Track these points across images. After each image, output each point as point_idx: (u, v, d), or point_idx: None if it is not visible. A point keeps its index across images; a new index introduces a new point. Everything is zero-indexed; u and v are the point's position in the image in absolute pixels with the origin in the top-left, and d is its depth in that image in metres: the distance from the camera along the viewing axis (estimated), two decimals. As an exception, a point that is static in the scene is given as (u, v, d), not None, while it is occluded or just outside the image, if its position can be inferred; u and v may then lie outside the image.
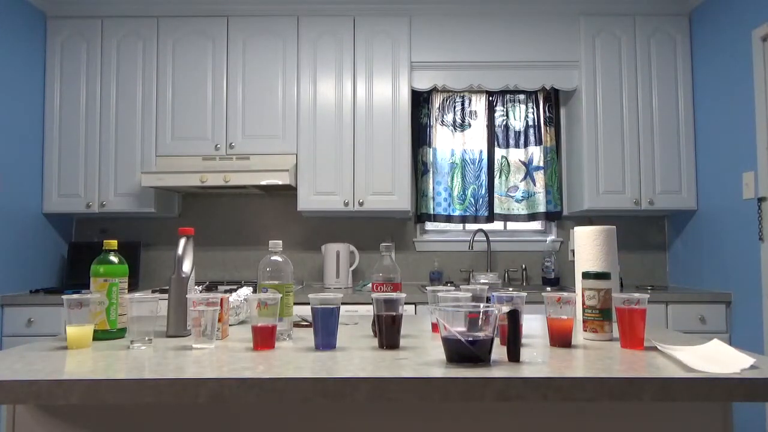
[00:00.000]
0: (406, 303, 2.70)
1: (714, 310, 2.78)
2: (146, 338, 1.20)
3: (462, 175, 3.43)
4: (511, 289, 3.06)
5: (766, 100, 2.53)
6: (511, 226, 3.53)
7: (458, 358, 1.00)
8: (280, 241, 1.38)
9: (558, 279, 3.29)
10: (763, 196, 2.54)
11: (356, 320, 1.62)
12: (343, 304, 1.22)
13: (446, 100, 3.45)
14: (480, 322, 1.02)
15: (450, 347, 1.01)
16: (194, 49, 3.16)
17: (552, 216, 3.41)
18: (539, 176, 3.41)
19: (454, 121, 3.44)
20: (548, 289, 3.17)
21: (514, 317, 1.02)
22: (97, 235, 3.41)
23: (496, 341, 1.23)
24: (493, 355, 1.02)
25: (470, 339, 0.99)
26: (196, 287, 1.44)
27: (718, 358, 1.01)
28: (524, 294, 1.24)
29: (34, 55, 3.06)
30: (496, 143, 3.46)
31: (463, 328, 1.02)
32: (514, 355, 1.02)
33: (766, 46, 2.55)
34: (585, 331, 1.28)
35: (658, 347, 1.11)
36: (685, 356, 1.00)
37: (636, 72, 3.15)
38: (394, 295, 1.19)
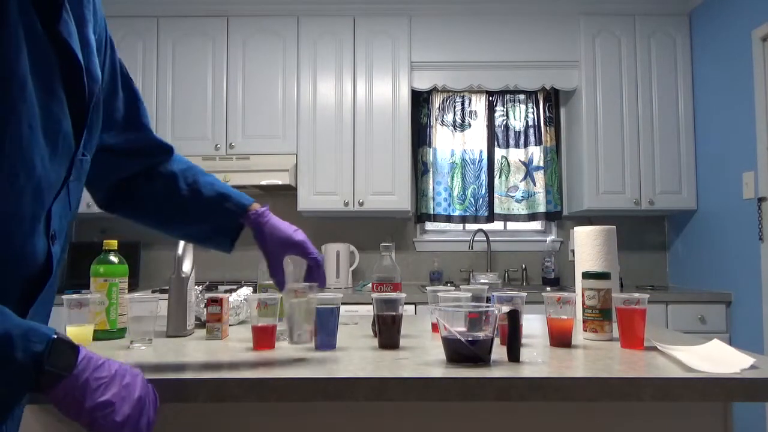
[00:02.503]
0: (406, 303, 2.69)
1: (714, 310, 2.78)
2: (146, 338, 1.20)
3: (462, 175, 3.42)
4: (511, 289, 3.06)
5: (766, 100, 2.53)
6: (511, 226, 3.53)
7: (458, 358, 1.00)
8: (280, 241, 1.37)
9: (558, 279, 3.29)
10: (763, 196, 2.54)
11: (356, 320, 1.62)
12: (343, 304, 1.22)
13: (446, 100, 3.45)
14: (480, 322, 1.02)
15: (450, 347, 1.01)
16: (194, 49, 3.16)
17: (552, 216, 3.41)
18: (539, 176, 3.41)
19: (454, 121, 3.44)
20: (548, 289, 3.17)
21: (514, 317, 1.02)
22: (97, 235, 3.41)
23: (496, 341, 1.23)
24: (493, 355, 1.02)
25: (470, 339, 0.99)
26: (196, 287, 1.44)
27: (718, 358, 1.01)
28: (524, 294, 1.24)
29: (34, 55, 3.06)
30: (496, 143, 3.46)
31: (463, 328, 1.02)
32: (514, 355, 1.02)
33: (766, 46, 2.55)
34: (585, 331, 1.28)
35: (658, 347, 1.11)
36: (685, 356, 1.00)
37: (636, 72, 3.15)
38: (394, 295, 1.18)
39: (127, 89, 0.94)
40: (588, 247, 1.56)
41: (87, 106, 0.72)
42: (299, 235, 1.07)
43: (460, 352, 1.00)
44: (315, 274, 1.06)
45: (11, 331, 0.58)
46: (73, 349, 0.63)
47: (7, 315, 0.60)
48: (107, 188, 0.99)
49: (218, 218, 1.04)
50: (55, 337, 0.61)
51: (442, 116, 3.46)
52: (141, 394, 0.67)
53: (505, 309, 1.05)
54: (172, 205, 1.02)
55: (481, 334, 1.00)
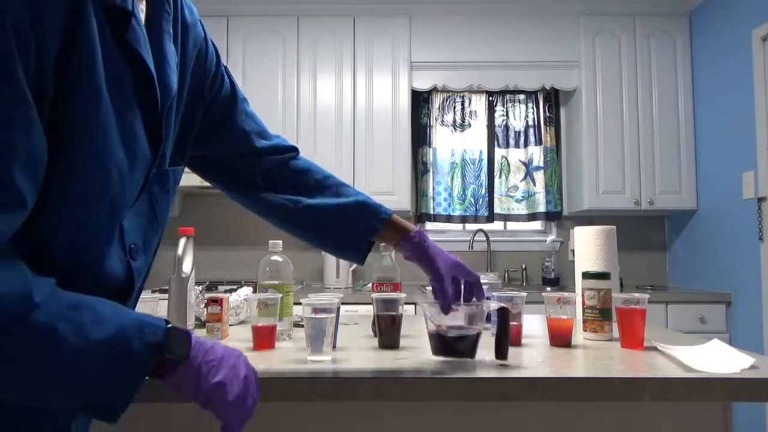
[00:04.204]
0: (406, 303, 2.68)
1: (714, 310, 2.78)
2: (146, 338, 1.19)
3: (462, 175, 3.43)
4: (511, 289, 3.06)
5: (766, 100, 2.53)
6: (511, 226, 3.53)
7: (442, 352, 1.02)
8: (280, 241, 1.38)
9: (558, 279, 3.29)
10: (763, 196, 2.54)
11: (356, 320, 1.62)
12: (343, 304, 1.22)
13: (446, 100, 3.45)
14: (466, 318, 1.02)
15: (433, 340, 1.04)
16: (194, 49, 3.16)
17: (552, 216, 3.41)
18: (539, 176, 3.41)
19: (454, 121, 3.44)
20: (548, 289, 3.17)
21: (503, 315, 1.02)
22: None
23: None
24: (491, 354, 1.02)
25: (455, 335, 1.00)
26: (196, 287, 1.44)
27: (718, 358, 1.01)
28: (524, 294, 1.24)
29: (34, 55, 3.06)
30: (496, 143, 3.46)
31: (461, 322, 1.03)
32: (501, 353, 1.01)
33: (766, 46, 2.55)
34: (585, 331, 1.28)
35: (658, 347, 1.11)
36: (685, 356, 1.00)
37: (636, 72, 3.15)
38: (393, 295, 1.18)
39: (229, 92, 0.96)
40: (588, 247, 1.56)
41: (160, 117, 0.72)
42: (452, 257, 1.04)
43: (444, 346, 1.01)
44: (477, 292, 1.04)
45: (126, 325, 0.62)
46: (187, 336, 0.67)
47: (120, 310, 0.63)
48: (244, 187, 1.01)
49: (356, 225, 1.00)
50: (170, 326, 0.65)
51: (442, 116, 3.46)
52: (246, 374, 0.72)
53: (494, 306, 1.05)
54: (309, 193, 1.01)
55: (467, 329, 1.01)
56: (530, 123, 3.42)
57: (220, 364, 0.69)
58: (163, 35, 0.73)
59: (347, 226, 1.00)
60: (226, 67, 0.96)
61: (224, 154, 0.97)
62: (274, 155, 1.01)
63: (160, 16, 0.73)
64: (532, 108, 3.43)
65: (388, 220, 1.01)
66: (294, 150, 1.05)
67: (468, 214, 3.42)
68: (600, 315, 1.26)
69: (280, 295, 1.21)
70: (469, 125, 3.45)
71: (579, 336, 1.29)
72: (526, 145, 3.43)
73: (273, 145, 1.02)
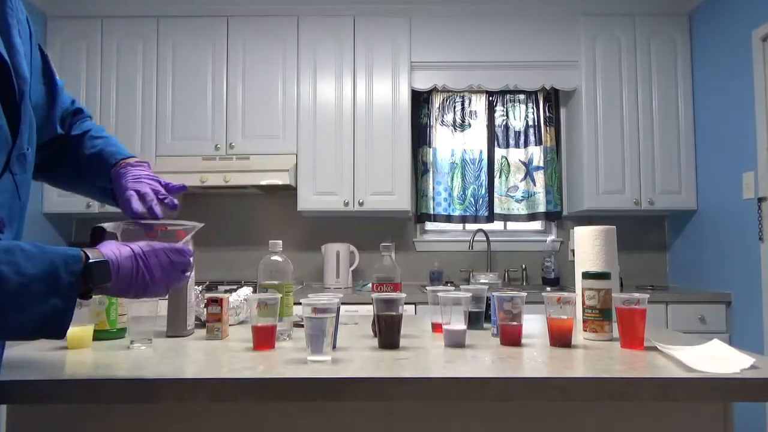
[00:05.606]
0: (406, 303, 2.69)
1: (714, 310, 2.78)
2: (146, 338, 1.20)
3: (462, 175, 3.42)
4: (511, 289, 3.05)
5: (766, 100, 2.53)
6: (511, 226, 3.53)
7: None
8: (280, 241, 1.38)
9: (558, 279, 3.29)
10: (763, 196, 2.54)
11: (356, 320, 1.62)
12: (343, 304, 1.21)
13: (446, 100, 3.45)
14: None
15: None
16: (194, 49, 3.16)
17: (552, 216, 3.41)
18: (539, 176, 3.41)
19: (454, 121, 3.44)
20: (548, 289, 3.17)
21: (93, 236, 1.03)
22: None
23: (495, 340, 1.23)
24: (491, 354, 1.02)
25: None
26: (196, 287, 1.44)
27: (718, 358, 1.01)
28: (524, 294, 1.24)
29: (34, 55, 3.06)
30: (496, 143, 3.46)
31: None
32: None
33: (766, 46, 2.55)
34: (585, 331, 1.28)
35: (658, 347, 1.11)
36: (685, 356, 1.00)
37: (636, 72, 3.15)
38: (394, 295, 1.18)
39: (48, 83, 0.97)
40: (588, 247, 1.56)
41: (18, 103, 0.77)
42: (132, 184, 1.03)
43: None
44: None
45: (54, 260, 0.73)
46: (105, 265, 0.79)
47: (43, 248, 0.73)
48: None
49: (99, 180, 1.06)
50: (91, 261, 0.77)
51: (442, 116, 3.46)
52: (152, 275, 0.85)
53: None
54: (70, 172, 1.07)
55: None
56: (530, 123, 3.42)
57: (132, 282, 0.82)
58: (10, 29, 0.78)
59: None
60: (46, 57, 0.97)
61: (48, 143, 1.01)
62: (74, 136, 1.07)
63: (4, 11, 0.78)
64: (532, 108, 3.43)
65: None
66: (79, 114, 1.09)
67: (468, 214, 3.42)
68: (600, 315, 1.26)
69: (280, 295, 1.21)
70: (469, 125, 3.45)
71: (579, 336, 1.29)
72: (526, 145, 3.43)
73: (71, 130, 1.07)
